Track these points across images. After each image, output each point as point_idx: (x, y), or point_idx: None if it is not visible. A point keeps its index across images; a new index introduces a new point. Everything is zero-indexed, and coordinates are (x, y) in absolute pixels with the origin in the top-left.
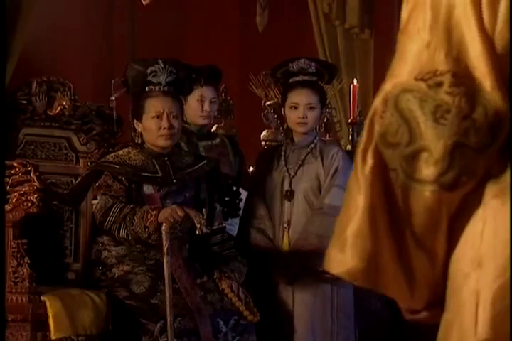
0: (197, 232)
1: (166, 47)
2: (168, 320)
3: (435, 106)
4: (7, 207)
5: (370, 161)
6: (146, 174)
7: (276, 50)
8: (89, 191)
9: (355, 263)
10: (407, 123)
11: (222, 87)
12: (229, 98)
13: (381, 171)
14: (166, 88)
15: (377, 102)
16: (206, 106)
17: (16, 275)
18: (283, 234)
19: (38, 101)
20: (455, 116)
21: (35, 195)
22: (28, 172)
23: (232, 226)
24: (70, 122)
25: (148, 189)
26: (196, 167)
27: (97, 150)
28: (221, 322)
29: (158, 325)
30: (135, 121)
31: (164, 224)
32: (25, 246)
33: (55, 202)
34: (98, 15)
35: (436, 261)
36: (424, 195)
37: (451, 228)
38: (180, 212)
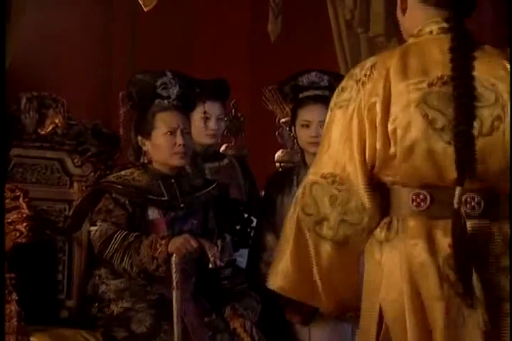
0: (210, 266)
1: (170, 58)
2: None
3: (330, 196)
4: None
5: (294, 223)
6: (151, 196)
7: (291, 62)
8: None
9: (282, 283)
10: (316, 203)
11: (232, 102)
12: (239, 114)
13: (301, 231)
14: (175, 102)
15: (301, 188)
16: (212, 124)
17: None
18: None
19: (28, 118)
20: (340, 203)
21: (25, 224)
22: (16, 198)
23: (242, 257)
24: (63, 142)
25: (153, 213)
26: (205, 191)
27: (93, 173)
28: None
29: None
30: (140, 138)
31: (175, 255)
32: (13, 281)
33: (46, 232)
34: (95, 24)
35: (337, 291)
36: (326, 246)
37: (352, 268)
38: (193, 243)
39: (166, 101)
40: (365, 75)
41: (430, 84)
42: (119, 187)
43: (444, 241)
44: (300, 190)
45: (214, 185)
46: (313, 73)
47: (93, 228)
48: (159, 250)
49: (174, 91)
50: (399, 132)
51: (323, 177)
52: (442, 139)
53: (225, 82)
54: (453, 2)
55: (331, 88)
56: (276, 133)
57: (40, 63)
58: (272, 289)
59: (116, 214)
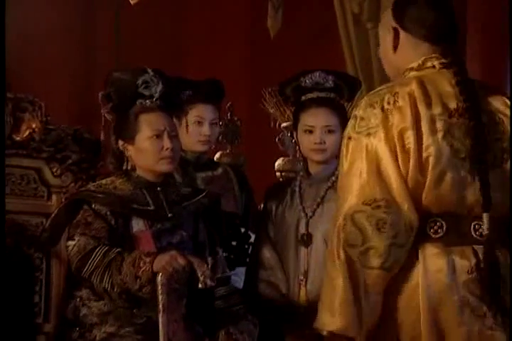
0: (200, 285)
1: (159, 58)
2: None
3: (377, 220)
4: None
5: (342, 256)
6: (136, 206)
7: (293, 60)
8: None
9: (342, 324)
10: (360, 232)
11: (228, 104)
12: (236, 118)
13: (349, 262)
14: (158, 102)
15: (340, 220)
16: (205, 129)
17: None
18: (299, 289)
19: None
20: (389, 226)
21: None
22: None
23: (238, 276)
24: (40, 149)
25: (137, 225)
26: (194, 200)
27: (73, 184)
28: None
29: None
30: (121, 143)
31: (161, 274)
32: None
33: (22, 248)
34: (76, 21)
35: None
36: (373, 275)
37: (385, 292)
38: (181, 260)
39: (148, 102)
40: (389, 103)
41: (450, 116)
42: (100, 196)
43: (462, 267)
44: (340, 221)
45: (204, 194)
46: (317, 73)
47: (70, 243)
48: (143, 268)
49: (157, 89)
50: (431, 160)
51: (366, 204)
52: (464, 168)
53: (218, 82)
54: (449, 37)
55: (337, 89)
56: (277, 139)
57: (15, 63)
58: (331, 331)
59: (96, 226)
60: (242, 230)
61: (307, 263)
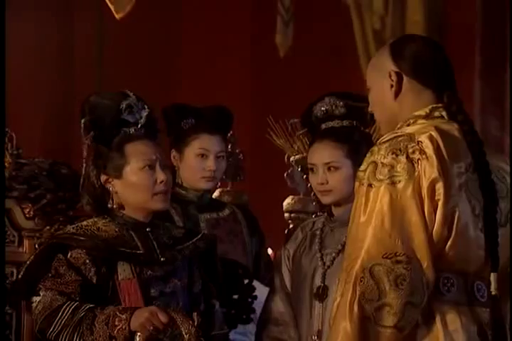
0: None
1: (150, 82)
2: None
3: (396, 276)
4: None
5: (355, 311)
6: (123, 249)
7: (305, 83)
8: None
9: None
10: (378, 287)
11: (229, 135)
12: (237, 151)
13: (362, 319)
14: (143, 130)
15: (358, 270)
16: (210, 163)
17: None
18: None
19: None
20: (408, 283)
21: None
22: None
23: (246, 336)
24: (10, 187)
25: (124, 272)
26: (189, 243)
27: (48, 227)
28: None
29: None
30: (104, 177)
31: (139, 334)
32: None
33: None
34: (52, 40)
35: None
36: (386, 334)
37: None
38: (162, 317)
39: (133, 129)
40: (414, 152)
41: (466, 170)
42: (82, 239)
43: (472, 329)
44: (358, 273)
45: (200, 236)
46: (327, 99)
47: (36, 298)
48: (119, 327)
49: (143, 115)
50: (457, 215)
51: (386, 257)
52: (477, 226)
53: (226, 109)
54: (452, 84)
55: (352, 115)
56: (285, 174)
57: None
58: None
59: (67, 280)
60: (246, 281)
61: (321, 320)
